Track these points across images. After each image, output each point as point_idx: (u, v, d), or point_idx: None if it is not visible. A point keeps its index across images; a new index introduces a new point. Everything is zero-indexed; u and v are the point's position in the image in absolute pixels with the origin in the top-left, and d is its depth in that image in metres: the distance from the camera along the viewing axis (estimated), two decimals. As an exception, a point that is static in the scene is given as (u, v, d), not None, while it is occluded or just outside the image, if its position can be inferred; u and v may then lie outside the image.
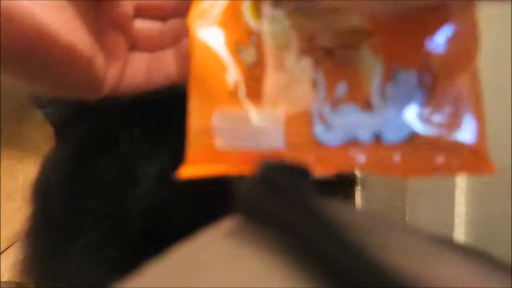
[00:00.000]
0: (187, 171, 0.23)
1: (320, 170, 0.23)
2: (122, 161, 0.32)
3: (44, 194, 0.34)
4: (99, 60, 0.23)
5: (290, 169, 0.26)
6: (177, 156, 0.31)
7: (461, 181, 0.43)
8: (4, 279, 0.56)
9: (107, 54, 0.24)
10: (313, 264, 0.18)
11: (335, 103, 0.22)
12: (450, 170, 0.22)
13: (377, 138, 0.22)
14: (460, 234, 0.44)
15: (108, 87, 0.24)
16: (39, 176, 0.35)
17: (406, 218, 0.52)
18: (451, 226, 0.44)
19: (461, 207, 0.43)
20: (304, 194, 0.23)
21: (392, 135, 0.22)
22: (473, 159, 0.22)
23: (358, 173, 0.62)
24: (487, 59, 0.38)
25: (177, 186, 0.32)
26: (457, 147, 0.22)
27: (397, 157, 0.22)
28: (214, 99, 0.22)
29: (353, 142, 0.22)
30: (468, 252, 0.23)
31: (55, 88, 0.24)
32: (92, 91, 0.24)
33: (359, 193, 0.62)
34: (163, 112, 0.31)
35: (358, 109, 0.22)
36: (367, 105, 0.22)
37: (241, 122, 0.23)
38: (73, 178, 0.33)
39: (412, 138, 0.22)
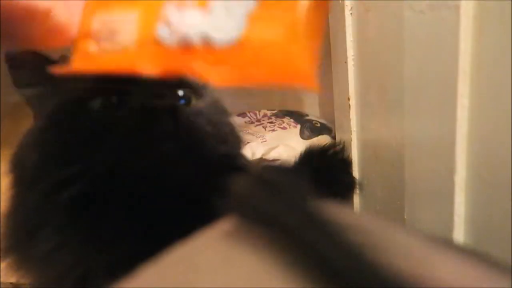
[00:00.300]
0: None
1: (159, 70, 0.24)
2: (92, 127, 0.34)
3: (20, 162, 0.36)
4: (59, 9, 0.26)
5: (287, 170, 0.26)
6: (145, 120, 0.33)
7: (460, 180, 0.43)
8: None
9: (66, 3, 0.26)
10: (310, 264, 0.18)
11: (181, 5, 0.24)
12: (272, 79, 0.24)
13: (208, 40, 0.23)
14: (459, 234, 0.44)
15: (72, 33, 0.27)
16: (17, 148, 0.37)
17: (405, 218, 0.52)
18: (450, 225, 0.44)
19: (460, 207, 0.43)
20: (301, 196, 0.23)
21: (221, 36, 0.23)
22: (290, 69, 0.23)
23: (356, 174, 0.62)
24: (487, 58, 0.38)
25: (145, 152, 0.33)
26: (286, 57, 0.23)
27: (227, 62, 0.23)
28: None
29: (189, 44, 0.23)
30: (465, 253, 0.23)
31: (22, 40, 0.27)
32: (57, 39, 0.27)
33: (357, 193, 0.62)
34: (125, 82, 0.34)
35: (198, 11, 0.23)
36: (206, 7, 0.23)
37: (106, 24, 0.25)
38: (45, 143, 0.35)
39: (241, 42, 0.23)
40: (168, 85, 0.37)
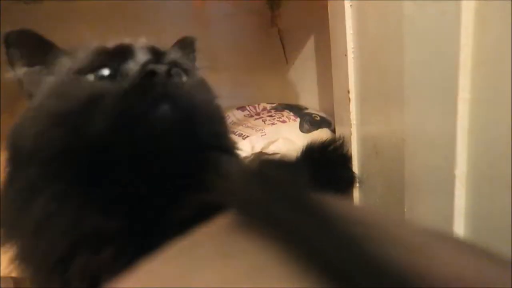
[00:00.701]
0: None
1: None
2: (89, 96, 0.35)
3: (17, 139, 0.37)
4: None
5: (286, 165, 0.26)
6: (140, 86, 0.34)
7: (461, 174, 0.43)
8: (1, 274, 0.56)
9: None
10: (310, 258, 0.18)
11: None
12: None
13: None
14: (459, 227, 0.44)
15: None
16: (14, 127, 0.38)
17: (405, 211, 0.52)
18: (450, 219, 0.44)
19: (460, 201, 0.43)
20: (300, 189, 0.23)
21: None
22: None
23: (356, 168, 0.62)
24: (488, 52, 0.38)
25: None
26: None
27: None
28: None
29: None
30: (465, 246, 0.23)
31: None
32: None
33: (357, 187, 0.62)
34: None
35: None
36: None
37: None
38: (43, 116, 0.35)
39: None
40: (160, 62, 0.38)
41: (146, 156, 0.34)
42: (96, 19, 0.86)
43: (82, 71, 0.36)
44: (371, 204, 0.60)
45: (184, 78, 0.40)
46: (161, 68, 0.34)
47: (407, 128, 0.49)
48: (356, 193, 0.62)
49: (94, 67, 0.36)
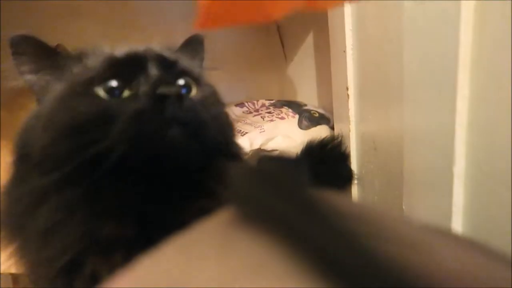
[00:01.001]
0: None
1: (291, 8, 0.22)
2: (99, 112, 0.35)
3: (25, 142, 0.37)
4: None
5: (285, 161, 0.26)
6: (152, 106, 0.35)
7: (459, 170, 0.43)
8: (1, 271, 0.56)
9: None
10: (309, 254, 0.18)
11: None
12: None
13: None
14: (457, 224, 0.44)
15: None
16: (21, 130, 0.38)
17: (403, 208, 0.52)
18: (448, 216, 0.44)
19: (459, 198, 0.43)
20: (299, 185, 0.23)
21: None
22: None
23: (354, 165, 0.62)
24: (488, 49, 0.38)
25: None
26: None
27: None
28: None
29: None
30: (462, 241, 0.23)
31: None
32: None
33: (356, 183, 0.62)
34: None
35: None
36: None
37: None
38: (55, 125, 0.35)
39: None
40: (170, 73, 0.38)
41: (155, 170, 0.35)
42: (98, 16, 0.86)
43: (92, 83, 0.36)
44: (369, 201, 0.60)
45: (194, 90, 0.40)
46: (172, 90, 0.34)
47: (406, 125, 0.49)
48: (355, 190, 0.62)
49: (103, 79, 0.36)
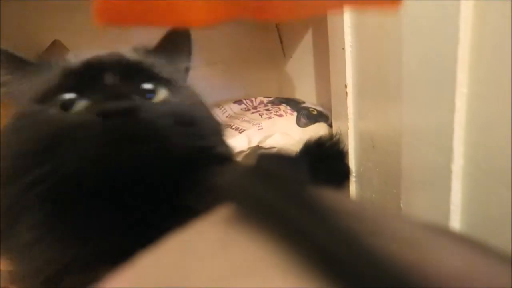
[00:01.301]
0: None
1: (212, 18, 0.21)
2: (51, 132, 0.33)
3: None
4: None
5: (284, 158, 0.26)
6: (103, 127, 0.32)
7: (458, 168, 0.43)
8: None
9: None
10: (307, 251, 0.18)
11: None
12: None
13: None
14: (456, 222, 0.44)
15: None
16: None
17: (401, 206, 0.52)
18: (447, 214, 0.44)
19: (457, 196, 0.43)
20: (298, 183, 0.23)
21: None
22: None
23: (352, 162, 0.62)
24: (487, 47, 0.38)
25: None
26: None
27: None
28: None
29: None
30: (461, 240, 0.23)
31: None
32: None
33: (354, 181, 0.62)
34: None
35: None
36: None
37: None
38: (13, 143, 0.34)
39: None
40: (131, 79, 0.36)
41: (122, 186, 0.33)
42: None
43: (44, 98, 0.34)
44: (367, 199, 0.60)
45: (162, 94, 0.37)
46: (120, 105, 0.32)
47: (405, 122, 0.49)
48: (353, 187, 0.62)
49: (57, 92, 0.34)
